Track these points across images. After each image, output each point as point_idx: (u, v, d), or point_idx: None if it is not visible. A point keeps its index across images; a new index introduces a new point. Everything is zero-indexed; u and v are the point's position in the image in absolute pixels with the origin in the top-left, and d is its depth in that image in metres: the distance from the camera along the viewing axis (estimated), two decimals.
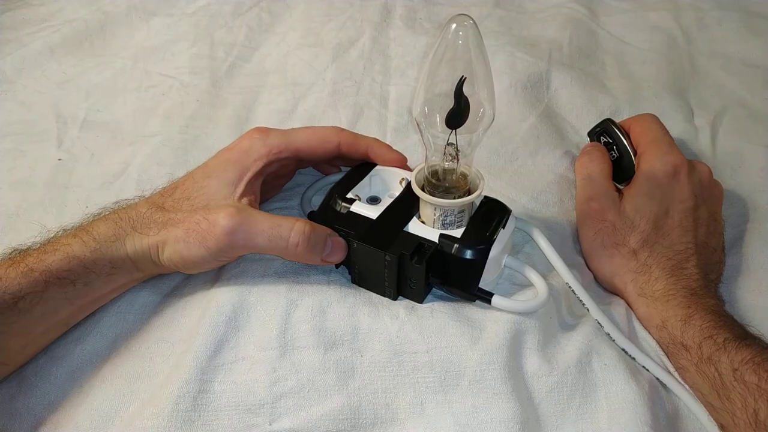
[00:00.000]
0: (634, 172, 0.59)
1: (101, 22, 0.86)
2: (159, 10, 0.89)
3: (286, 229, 0.48)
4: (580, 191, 0.60)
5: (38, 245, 0.48)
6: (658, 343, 0.52)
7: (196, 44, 0.84)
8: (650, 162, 0.58)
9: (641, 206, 0.56)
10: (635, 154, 0.60)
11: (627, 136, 0.62)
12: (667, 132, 0.61)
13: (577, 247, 0.59)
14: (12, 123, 0.73)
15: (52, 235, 0.49)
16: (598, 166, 0.60)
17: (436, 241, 0.50)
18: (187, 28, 0.86)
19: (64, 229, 0.50)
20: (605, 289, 0.57)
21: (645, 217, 0.55)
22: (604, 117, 0.65)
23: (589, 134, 0.65)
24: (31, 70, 0.80)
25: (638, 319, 0.54)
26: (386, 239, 0.50)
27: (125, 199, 0.53)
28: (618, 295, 0.56)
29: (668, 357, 0.51)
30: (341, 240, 0.51)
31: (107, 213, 0.51)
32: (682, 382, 0.50)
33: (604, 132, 0.63)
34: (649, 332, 0.53)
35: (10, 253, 0.48)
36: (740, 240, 0.61)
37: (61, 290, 0.47)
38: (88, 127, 0.73)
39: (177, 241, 0.48)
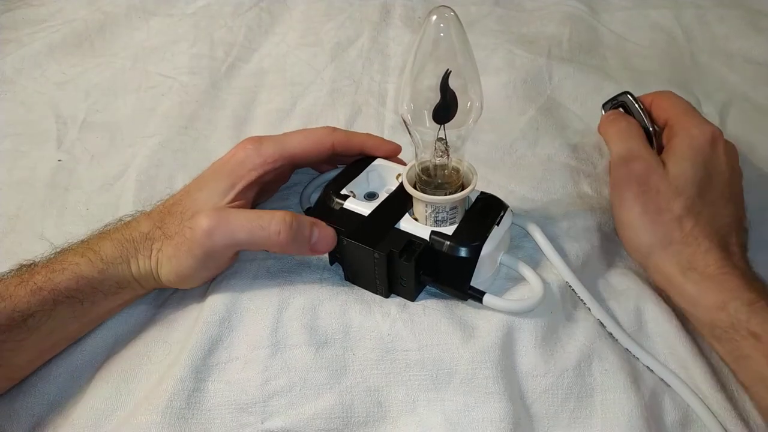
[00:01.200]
0: (655, 148, 0.57)
1: (101, 22, 0.86)
2: (159, 10, 0.89)
3: (266, 220, 0.48)
4: (619, 152, 0.56)
5: (45, 261, 0.49)
6: (709, 326, 0.48)
7: (195, 44, 0.84)
8: (688, 129, 0.54)
9: (686, 171, 0.52)
10: (656, 133, 0.58)
11: (647, 112, 0.59)
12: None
13: (583, 234, 0.57)
14: (12, 124, 0.74)
15: (58, 251, 0.50)
16: (631, 122, 0.57)
17: (427, 238, 0.50)
18: (186, 28, 0.86)
19: (70, 244, 0.50)
20: (637, 261, 0.54)
21: (690, 184, 0.52)
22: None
23: (604, 106, 0.62)
24: (31, 71, 0.81)
25: (682, 299, 0.50)
26: (376, 236, 0.50)
27: (128, 215, 0.53)
28: (646, 270, 0.53)
29: (719, 343, 0.48)
30: (328, 228, 0.50)
31: (112, 231, 0.51)
32: (688, 384, 0.48)
33: (621, 105, 0.60)
34: (696, 313, 0.49)
35: (17, 270, 0.49)
36: (755, 230, 0.59)
37: (70, 309, 0.47)
38: (87, 127, 0.73)
39: (170, 259, 0.49)
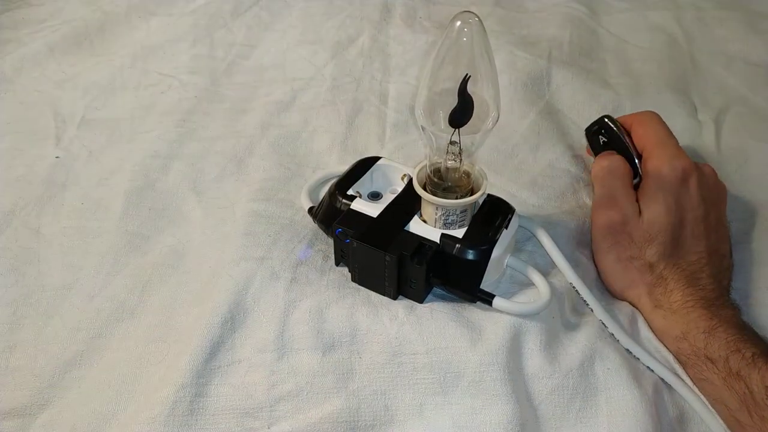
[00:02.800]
0: (637, 173, 0.58)
1: (101, 21, 0.86)
2: (159, 9, 0.88)
3: None
4: (600, 199, 0.58)
5: None
6: (675, 354, 0.51)
7: (195, 44, 0.83)
8: (659, 168, 0.56)
9: (659, 218, 0.54)
10: (638, 155, 0.59)
11: (627, 134, 0.60)
12: (672, 133, 0.59)
13: (580, 240, 0.58)
14: (10, 122, 0.73)
15: None
16: (620, 164, 0.58)
17: (437, 241, 0.49)
18: (186, 27, 0.86)
19: None
20: (615, 297, 0.56)
21: (663, 230, 0.54)
22: (606, 112, 0.64)
23: (587, 131, 0.64)
24: (31, 70, 0.80)
25: (654, 330, 0.52)
26: (386, 239, 0.49)
27: None
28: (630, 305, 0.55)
29: (686, 368, 0.50)
30: None
31: None
32: (689, 384, 0.49)
33: (602, 129, 0.62)
34: (665, 343, 0.52)
35: None
36: (748, 236, 0.61)
37: None
38: (86, 125, 0.72)
39: None
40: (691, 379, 0.49)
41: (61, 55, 0.80)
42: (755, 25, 0.88)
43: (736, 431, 0.46)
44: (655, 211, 0.54)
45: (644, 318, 0.54)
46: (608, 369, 0.48)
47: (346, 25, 0.86)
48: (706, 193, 0.56)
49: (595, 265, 0.57)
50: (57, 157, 0.67)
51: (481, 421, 0.45)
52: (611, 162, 0.59)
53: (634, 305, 0.55)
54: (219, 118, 0.73)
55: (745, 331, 0.48)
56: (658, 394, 0.48)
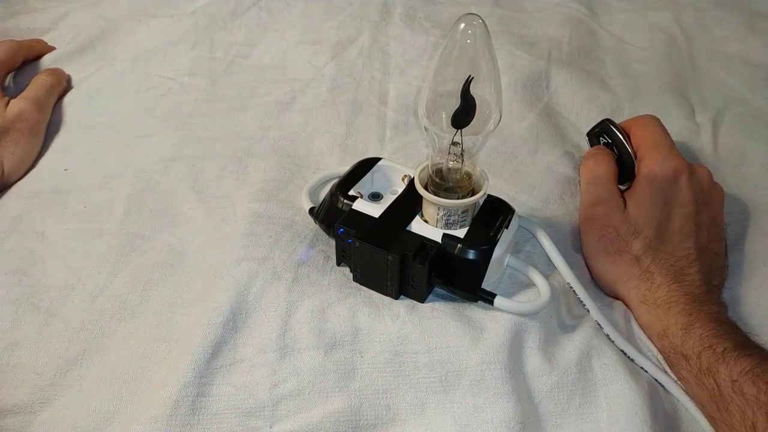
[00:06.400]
0: (635, 174, 0.59)
1: (103, 27, 0.85)
2: (158, 11, 0.88)
3: None
4: (585, 195, 0.59)
5: None
6: (659, 351, 0.51)
7: (196, 45, 0.83)
8: (650, 166, 0.57)
9: (644, 212, 0.55)
10: (635, 156, 0.60)
11: (627, 137, 0.61)
12: (668, 135, 0.60)
13: (577, 243, 0.59)
14: None
15: None
16: (604, 169, 0.59)
17: (439, 241, 0.50)
18: (186, 29, 0.85)
19: None
20: (607, 294, 0.56)
21: (648, 223, 0.55)
22: (605, 115, 0.65)
23: (588, 135, 0.65)
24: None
25: (640, 326, 0.53)
26: (389, 239, 0.50)
27: None
28: (620, 301, 0.55)
29: (670, 366, 0.50)
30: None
31: None
32: (681, 384, 0.49)
33: (603, 132, 0.62)
34: (651, 340, 0.52)
35: None
36: (742, 237, 0.61)
37: None
38: (89, 131, 0.72)
39: None
40: (677, 378, 0.50)
41: (64, 63, 0.80)
42: (755, 25, 0.88)
43: (713, 429, 0.47)
44: (641, 204, 0.55)
45: (632, 313, 0.54)
46: (605, 365, 0.48)
47: (346, 25, 0.86)
48: (698, 191, 0.56)
49: (584, 260, 0.57)
50: (65, 170, 0.67)
51: (483, 419, 0.45)
52: (596, 158, 0.60)
53: (624, 302, 0.55)
54: (219, 119, 0.73)
55: (723, 326, 0.48)
56: (654, 388, 0.49)
